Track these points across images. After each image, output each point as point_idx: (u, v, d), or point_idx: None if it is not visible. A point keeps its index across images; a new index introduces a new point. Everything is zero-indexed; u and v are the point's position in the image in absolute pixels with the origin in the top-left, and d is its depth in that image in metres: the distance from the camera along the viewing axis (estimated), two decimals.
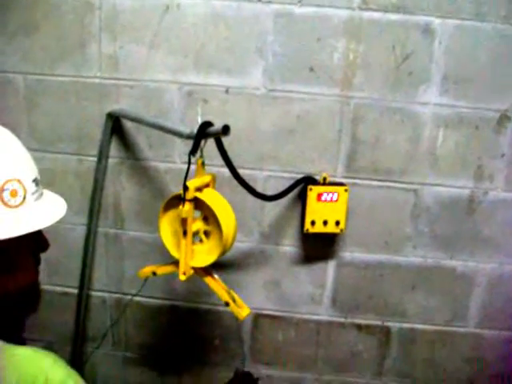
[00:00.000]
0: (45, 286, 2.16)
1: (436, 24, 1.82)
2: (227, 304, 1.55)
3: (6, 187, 0.92)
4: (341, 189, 1.90)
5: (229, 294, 1.56)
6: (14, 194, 0.93)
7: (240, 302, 1.58)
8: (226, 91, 1.91)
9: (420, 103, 1.89)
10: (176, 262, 1.54)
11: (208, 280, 1.57)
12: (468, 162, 1.94)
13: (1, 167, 0.93)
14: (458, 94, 1.88)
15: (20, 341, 0.98)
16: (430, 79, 1.87)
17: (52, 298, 2.20)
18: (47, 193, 1.09)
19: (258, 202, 1.90)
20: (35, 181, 1.00)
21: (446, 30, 1.82)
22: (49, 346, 2.22)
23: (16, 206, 0.94)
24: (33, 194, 0.99)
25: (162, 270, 1.63)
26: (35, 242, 1.04)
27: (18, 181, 0.95)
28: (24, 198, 0.96)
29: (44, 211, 1.02)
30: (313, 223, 1.92)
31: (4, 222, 0.91)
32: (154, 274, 1.64)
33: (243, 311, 1.56)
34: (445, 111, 1.90)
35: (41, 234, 1.06)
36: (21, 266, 1.00)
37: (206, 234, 1.53)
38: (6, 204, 0.92)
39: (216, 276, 1.59)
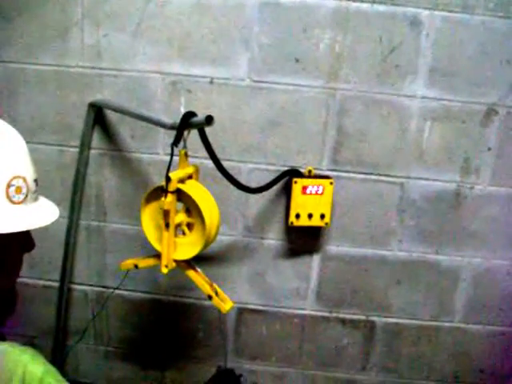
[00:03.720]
0: (25, 279, 2.13)
1: (424, 16, 1.81)
2: (210, 297, 1.53)
3: (12, 183, 0.92)
4: (326, 182, 1.88)
5: (211, 287, 1.54)
6: (18, 190, 0.94)
7: (223, 295, 1.56)
8: (211, 82, 1.88)
9: (407, 96, 1.88)
10: (158, 255, 1.52)
11: (190, 273, 1.55)
12: (454, 155, 1.93)
13: (10, 162, 0.94)
14: (445, 87, 1.87)
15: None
16: (416, 72, 1.86)
17: (33, 291, 2.17)
18: (41, 197, 1.09)
19: (243, 194, 1.88)
20: (35, 181, 1.01)
21: (434, 22, 1.81)
22: (30, 340, 2.20)
23: (18, 203, 0.95)
24: (33, 193, 1.00)
25: (144, 262, 1.61)
26: (23, 241, 1.03)
27: (24, 179, 0.96)
28: (26, 196, 0.97)
29: (41, 211, 1.03)
30: (297, 216, 1.90)
31: (6, 217, 0.91)
32: (136, 266, 1.61)
33: (226, 305, 1.54)
34: (431, 104, 1.88)
35: (29, 234, 1.05)
36: (7, 264, 0.99)
37: (189, 226, 1.51)
38: (10, 199, 0.93)
39: (199, 269, 1.57)
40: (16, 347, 0.94)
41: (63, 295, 2.12)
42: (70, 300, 2.17)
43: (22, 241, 1.02)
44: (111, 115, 1.95)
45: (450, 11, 1.80)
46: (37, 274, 2.14)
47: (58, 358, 2.17)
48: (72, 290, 2.17)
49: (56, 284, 2.13)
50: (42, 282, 2.16)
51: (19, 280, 1.04)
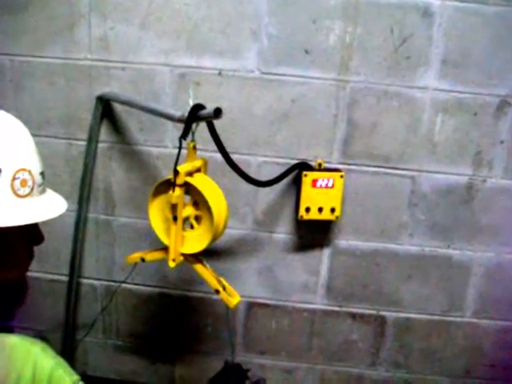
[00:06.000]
0: (34, 274, 2.13)
1: (436, 6, 1.78)
2: (217, 292, 1.51)
3: (17, 176, 0.92)
4: (336, 175, 1.86)
5: (219, 281, 1.52)
6: (23, 183, 0.94)
7: (230, 289, 1.54)
8: (219, 74, 1.86)
9: (418, 88, 1.85)
10: (165, 248, 1.50)
11: (198, 267, 1.54)
12: (467, 148, 1.90)
13: (15, 156, 0.93)
14: (457, 79, 1.84)
15: (8, 330, 0.97)
16: (428, 63, 1.83)
17: (42, 285, 2.17)
18: (48, 190, 1.08)
19: (252, 188, 1.87)
20: (42, 174, 1.00)
21: (446, 12, 1.78)
22: (39, 334, 2.20)
23: (23, 196, 0.94)
24: (39, 186, 0.99)
25: (151, 256, 1.59)
26: (31, 234, 1.03)
27: (29, 171, 0.95)
28: (32, 189, 0.96)
29: (47, 204, 1.02)
30: (307, 210, 1.88)
31: (11, 210, 0.91)
32: (143, 260, 1.60)
33: (233, 299, 1.52)
34: (443, 96, 1.86)
35: (37, 227, 1.05)
36: (16, 257, 0.99)
37: (197, 219, 1.49)
38: (15, 192, 0.92)
39: (206, 264, 1.56)
40: (26, 340, 0.95)
41: (72, 289, 2.12)
42: (78, 294, 2.17)
43: (30, 234, 1.02)
44: (119, 108, 1.94)
45: (463, 1, 1.77)
46: (45, 268, 2.14)
47: (67, 351, 2.18)
48: (81, 283, 2.17)
49: (65, 278, 2.14)
50: (50, 276, 2.16)
51: (28, 274, 1.04)
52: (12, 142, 0.93)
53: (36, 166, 0.97)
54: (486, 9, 1.77)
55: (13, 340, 0.93)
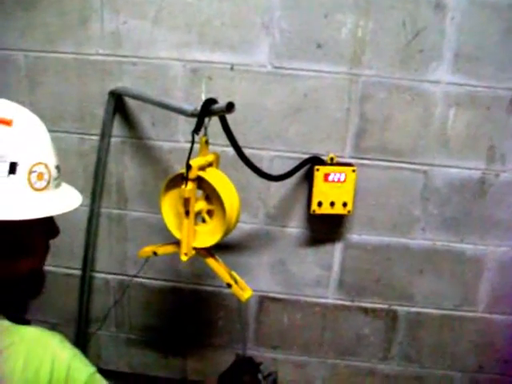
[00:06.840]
0: (48, 268, 2.13)
1: None
2: (229, 286, 1.52)
3: (34, 169, 0.93)
4: (348, 169, 1.85)
5: (231, 275, 1.52)
6: (40, 177, 0.95)
7: (242, 283, 1.55)
8: (231, 68, 1.86)
9: (431, 81, 1.84)
10: (177, 242, 1.51)
11: (210, 261, 1.54)
12: (479, 142, 1.89)
13: (32, 150, 0.94)
14: (470, 73, 1.82)
15: (24, 322, 0.98)
16: (441, 57, 1.81)
17: (55, 279, 2.18)
18: (64, 183, 1.10)
19: (264, 182, 1.87)
20: (57, 167, 1.01)
21: (459, 5, 1.76)
22: (52, 327, 2.21)
23: (40, 190, 0.95)
24: (55, 180, 1.00)
25: (163, 249, 1.60)
26: (47, 227, 1.04)
27: (45, 165, 0.96)
28: (48, 182, 0.97)
29: (63, 198, 1.03)
30: (319, 204, 1.88)
31: (28, 204, 0.92)
32: (155, 254, 1.61)
33: (245, 293, 1.52)
34: (456, 90, 1.84)
35: (53, 221, 1.06)
36: (32, 250, 1.00)
37: (209, 213, 1.49)
38: (32, 186, 0.93)
39: (218, 257, 1.56)
40: (45, 332, 0.96)
41: (85, 283, 2.14)
42: (91, 288, 2.19)
43: (46, 227, 1.03)
44: (131, 103, 1.94)
45: None
46: (59, 262, 2.16)
47: (80, 345, 2.19)
48: (93, 277, 2.18)
49: (78, 272, 2.15)
50: (64, 270, 2.18)
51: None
52: (28, 135, 0.94)
53: (52, 160, 0.98)
54: (500, 1, 1.76)
55: (32, 332, 0.94)
